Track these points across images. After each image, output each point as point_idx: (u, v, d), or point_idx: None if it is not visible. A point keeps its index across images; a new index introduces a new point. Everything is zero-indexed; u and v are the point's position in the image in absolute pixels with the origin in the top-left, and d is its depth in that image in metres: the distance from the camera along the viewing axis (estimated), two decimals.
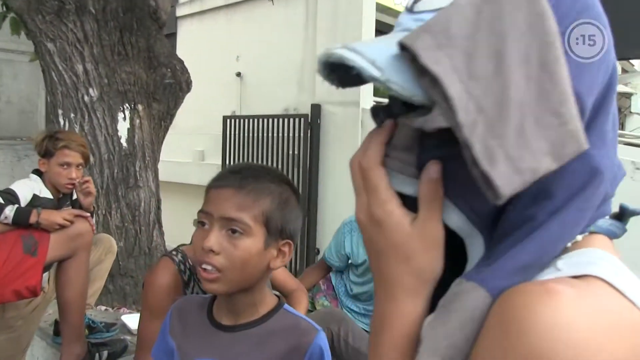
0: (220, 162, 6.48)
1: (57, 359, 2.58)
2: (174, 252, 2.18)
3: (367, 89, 5.85)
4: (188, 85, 3.52)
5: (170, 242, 3.17)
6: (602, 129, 0.53)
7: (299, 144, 6.01)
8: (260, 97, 6.40)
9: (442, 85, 0.45)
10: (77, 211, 2.51)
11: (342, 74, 0.53)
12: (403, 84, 0.47)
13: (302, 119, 5.94)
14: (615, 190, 0.56)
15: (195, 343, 1.20)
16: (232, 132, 6.44)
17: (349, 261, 2.96)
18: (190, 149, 7.04)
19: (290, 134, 6.05)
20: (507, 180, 0.45)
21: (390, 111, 0.57)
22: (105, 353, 2.62)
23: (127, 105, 3.25)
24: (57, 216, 2.36)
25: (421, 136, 0.53)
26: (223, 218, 1.06)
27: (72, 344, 2.48)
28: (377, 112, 0.58)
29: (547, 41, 0.47)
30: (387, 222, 0.54)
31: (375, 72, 0.47)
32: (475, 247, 0.54)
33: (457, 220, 0.53)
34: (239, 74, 6.61)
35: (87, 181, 2.60)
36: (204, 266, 1.07)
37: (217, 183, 1.14)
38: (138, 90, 3.28)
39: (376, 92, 6.54)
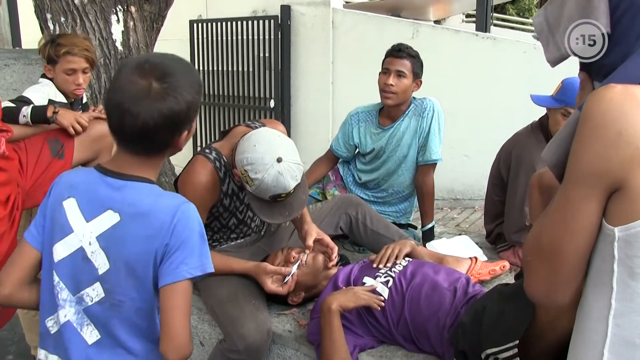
0: None
1: None
2: (207, 150, 2.22)
3: None
4: None
5: None
6: None
7: (269, 46, 5.97)
8: (227, 0, 6.23)
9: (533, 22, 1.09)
10: (95, 114, 2.52)
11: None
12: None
13: (272, 21, 5.87)
14: None
15: None
16: (200, 37, 6.30)
17: (356, 150, 3.09)
18: None
19: (260, 37, 5.98)
20: (551, 55, 1.02)
21: None
22: None
23: (119, 7, 3.16)
24: (71, 117, 2.36)
25: None
26: None
27: None
28: None
29: None
30: None
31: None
32: None
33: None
34: None
35: (99, 110, 2.59)
36: None
37: None
38: None
39: None
